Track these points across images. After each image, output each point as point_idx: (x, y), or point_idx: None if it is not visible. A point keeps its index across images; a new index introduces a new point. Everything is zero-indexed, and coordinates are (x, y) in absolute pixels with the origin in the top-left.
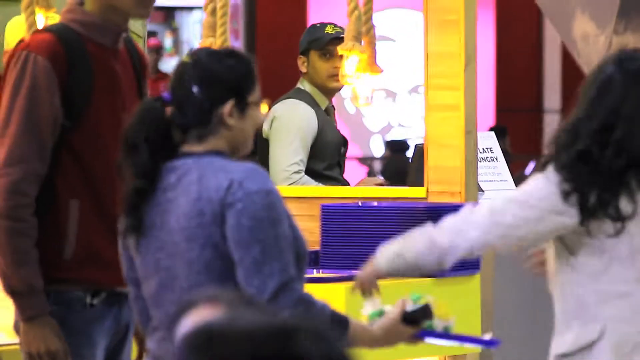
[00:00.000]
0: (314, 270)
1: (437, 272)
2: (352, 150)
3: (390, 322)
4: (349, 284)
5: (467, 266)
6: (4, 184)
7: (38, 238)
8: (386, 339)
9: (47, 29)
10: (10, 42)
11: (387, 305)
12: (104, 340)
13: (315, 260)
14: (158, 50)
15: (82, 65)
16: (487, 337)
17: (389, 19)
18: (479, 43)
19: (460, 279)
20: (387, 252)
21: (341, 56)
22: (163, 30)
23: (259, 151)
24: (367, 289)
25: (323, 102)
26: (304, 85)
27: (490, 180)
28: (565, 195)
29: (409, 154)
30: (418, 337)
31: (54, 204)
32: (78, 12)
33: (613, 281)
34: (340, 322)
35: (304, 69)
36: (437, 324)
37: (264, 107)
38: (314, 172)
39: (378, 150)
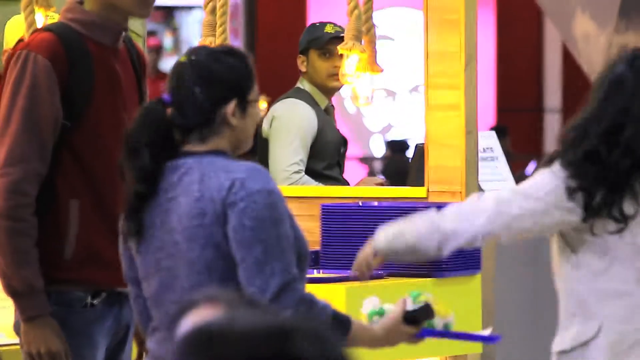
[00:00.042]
0: (314, 271)
1: (433, 265)
2: (353, 150)
3: (392, 321)
4: (350, 284)
5: (467, 266)
6: (5, 184)
7: (38, 238)
8: (388, 338)
9: (47, 28)
10: (9, 41)
11: (386, 303)
12: (104, 341)
13: (316, 260)
14: (158, 51)
15: (83, 65)
16: (487, 332)
17: (389, 18)
18: (480, 42)
19: (461, 278)
20: (387, 232)
21: (341, 55)
22: (163, 29)
23: (259, 151)
24: (365, 269)
25: (323, 102)
26: (303, 84)
27: (491, 180)
28: (571, 192)
29: (409, 153)
30: (419, 337)
31: (54, 203)
32: (78, 11)
33: (613, 280)
34: (342, 322)
35: (303, 69)
36: (437, 321)
37: (262, 103)
38: (313, 171)
39: (378, 150)
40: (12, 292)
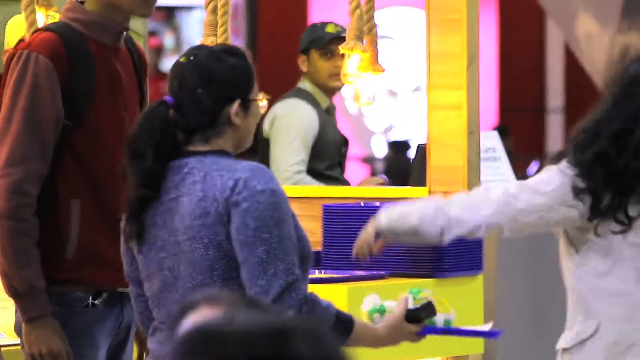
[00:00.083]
0: (316, 271)
1: (434, 266)
2: (354, 151)
3: (395, 320)
4: (351, 284)
5: (469, 266)
6: (6, 184)
7: (39, 238)
8: (391, 337)
9: (48, 28)
10: (10, 41)
11: (386, 300)
12: (105, 341)
13: (317, 260)
14: (158, 51)
15: (84, 65)
16: (488, 327)
17: (391, 17)
18: (482, 42)
19: (463, 279)
20: (391, 211)
21: (342, 55)
22: (163, 29)
23: (260, 151)
24: (366, 249)
25: (324, 102)
26: (304, 84)
27: (493, 180)
28: (577, 192)
29: (411, 154)
30: (420, 335)
31: (56, 204)
32: (79, 10)
33: (614, 280)
34: (344, 322)
35: (304, 68)
36: (438, 318)
37: (262, 100)
38: (314, 172)
39: (380, 150)
40: (13, 292)
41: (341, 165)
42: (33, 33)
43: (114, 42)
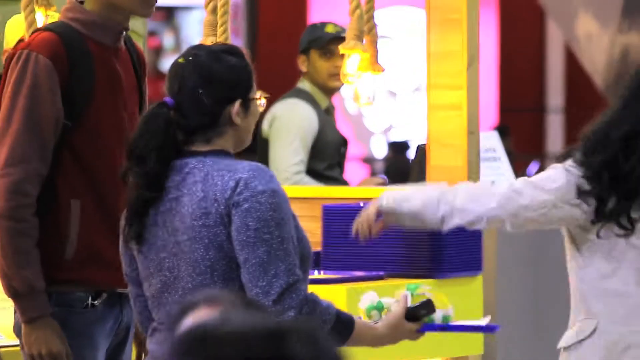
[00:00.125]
0: (315, 271)
1: (434, 266)
2: (354, 151)
3: (395, 319)
4: (350, 285)
5: (469, 267)
6: (5, 184)
7: (39, 238)
8: (391, 336)
9: (48, 28)
10: (9, 41)
11: (384, 297)
12: (105, 341)
13: (317, 261)
14: (158, 51)
15: (84, 65)
16: (485, 322)
17: (391, 17)
18: (482, 42)
19: (463, 279)
20: (394, 193)
21: (342, 55)
22: (163, 29)
23: (259, 151)
24: (366, 228)
25: (323, 102)
26: (304, 84)
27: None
28: (582, 193)
29: (411, 154)
30: (420, 332)
31: (55, 204)
32: (78, 10)
33: (613, 281)
34: (345, 322)
35: (304, 68)
36: (437, 314)
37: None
38: (314, 172)
39: (379, 150)
40: (13, 292)
41: (340, 165)
42: (32, 33)
43: (113, 42)
